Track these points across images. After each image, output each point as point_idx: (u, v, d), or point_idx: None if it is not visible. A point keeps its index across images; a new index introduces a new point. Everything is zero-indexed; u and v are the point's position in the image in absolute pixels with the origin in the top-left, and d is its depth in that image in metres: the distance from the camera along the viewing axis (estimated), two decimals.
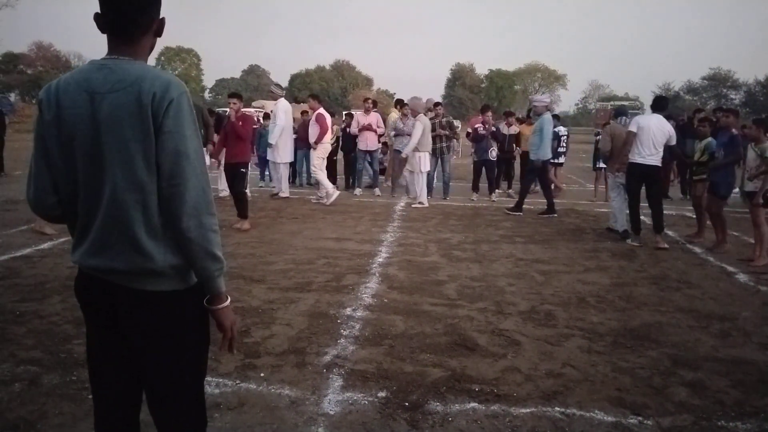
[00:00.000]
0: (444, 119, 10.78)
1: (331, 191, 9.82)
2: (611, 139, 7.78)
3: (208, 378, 1.84)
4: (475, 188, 10.93)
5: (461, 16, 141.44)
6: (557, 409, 3.02)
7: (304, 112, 12.06)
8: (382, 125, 11.47)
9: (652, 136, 6.93)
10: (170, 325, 1.66)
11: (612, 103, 35.32)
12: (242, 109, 7.89)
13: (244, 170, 7.67)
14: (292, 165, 12.38)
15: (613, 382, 3.34)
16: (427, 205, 9.78)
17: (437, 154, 10.64)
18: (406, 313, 4.43)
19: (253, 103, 37.93)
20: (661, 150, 7.04)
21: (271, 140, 9.95)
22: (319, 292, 4.89)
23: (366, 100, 11.83)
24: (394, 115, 11.84)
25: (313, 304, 4.58)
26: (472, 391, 3.19)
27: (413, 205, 9.78)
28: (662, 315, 4.55)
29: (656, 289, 5.28)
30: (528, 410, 3.00)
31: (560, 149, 11.37)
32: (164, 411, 1.74)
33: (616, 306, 4.75)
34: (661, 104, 7.45)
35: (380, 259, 6.09)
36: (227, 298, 1.71)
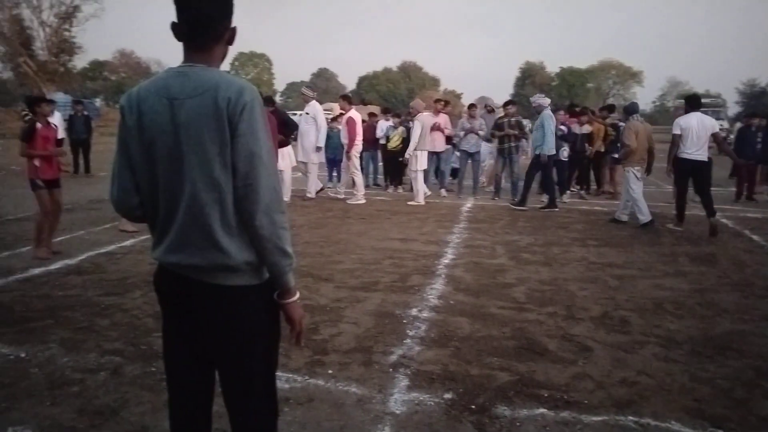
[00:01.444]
0: (513, 119, 10.60)
1: (360, 196, 10.04)
2: (635, 136, 8.02)
3: (279, 373, 1.89)
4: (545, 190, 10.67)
5: (531, 13, 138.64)
6: (631, 418, 2.91)
7: (372, 114, 12.17)
8: (450, 126, 11.40)
9: (695, 134, 7.54)
10: (244, 318, 1.72)
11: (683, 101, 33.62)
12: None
13: None
14: (336, 167, 12.55)
15: (692, 393, 3.19)
16: (423, 203, 9.87)
17: (505, 155, 10.49)
18: (473, 315, 4.38)
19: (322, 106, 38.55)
20: (706, 145, 7.66)
21: (320, 143, 10.17)
22: (385, 292, 4.92)
23: (437, 101, 11.79)
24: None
25: (380, 304, 4.61)
26: (540, 397, 3.12)
27: (409, 203, 9.91)
28: (746, 323, 4.30)
29: (740, 296, 4.98)
30: (600, 418, 2.91)
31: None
32: (238, 402, 1.81)
33: (696, 313, 4.52)
34: (696, 103, 8.02)
35: (446, 261, 6.06)
36: (296, 293, 1.76)
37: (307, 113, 10.13)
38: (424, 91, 68.63)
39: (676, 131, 7.66)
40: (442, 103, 11.59)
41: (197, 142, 1.62)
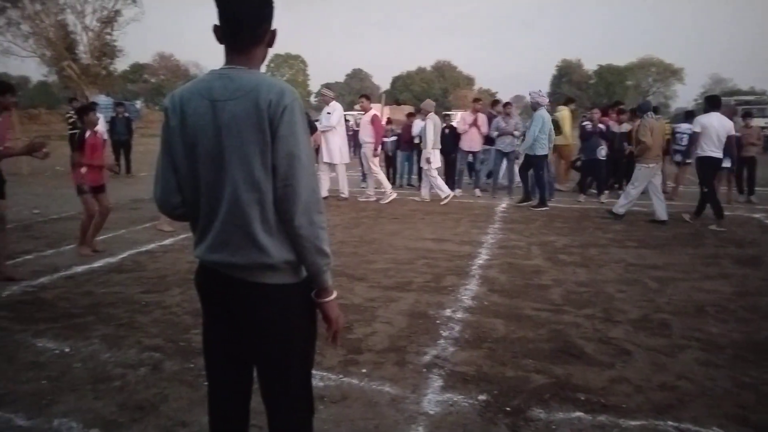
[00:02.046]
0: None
1: (389, 192, 10.13)
2: (650, 132, 8.08)
3: (313, 371, 1.91)
4: (582, 189, 10.52)
5: (568, 10, 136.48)
6: (670, 423, 2.85)
7: (410, 115, 12.17)
8: (487, 126, 11.32)
9: (716, 133, 7.80)
10: (282, 315, 1.75)
11: (735, 98, 32.53)
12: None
13: None
14: (392, 166, 12.57)
15: (735, 398, 3.10)
16: (428, 199, 10.11)
17: None
18: (508, 316, 4.34)
19: (356, 106, 38.77)
20: (723, 144, 7.93)
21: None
22: (419, 293, 4.91)
23: (476, 100, 11.75)
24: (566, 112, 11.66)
25: (413, 304, 4.61)
26: (577, 400, 3.07)
27: (441, 203, 9.93)
28: None
29: None
30: (638, 423, 2.85)
31: (676, 147, 10.61)
32: (275, 399, 1.83)
33: (739, 317, 4.39)
34: (716, 102, 8.35)
35: (480, 261, 6.02)
36: (334, 292, 1.78)
37: (328, 113, 10.16)
38: (458, 90, 68.40)
39: (697, 129, 7.97)
40: (481, 103, 11.54)
41: (238, 143, 1.64)
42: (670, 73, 71.80)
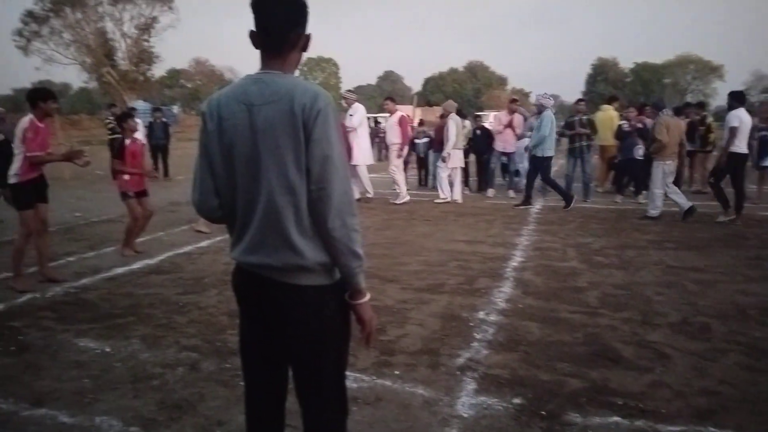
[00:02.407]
0: (585, 117, 10.30)
1: (403, 194, 10.14)
2: (667, 130, 8.06)
3: (347, 372, 1.92)
4: (619, 190, 10.31)
5: (602, 7, 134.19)
6: (711, 429, 2.77)
7: (442, 116, 12.15)
8: (522, 126, 11.22)
9: (746, 128, 7.88)
10: (316, 317, 1.76)
11: None
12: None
13: None
14: (425, 167, 12.55)
15: None
16: (448, 199, 10.16)
17: (576, 154, 10.21)
18: (543, 319, 4.29)
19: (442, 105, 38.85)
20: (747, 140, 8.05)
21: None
22: (452, 295, 4.89)
23: (513, 101, 11.67)
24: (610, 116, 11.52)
25: (446, 306, 4.59)
26: (614, 405, 3.01)
27: (437, 201, 9.99)
28: None
29: None
30: (677, 428, 2.78)
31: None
32: (310, 400, 1.85)
33: None
34: (743, 98, 8.25)
35: (514, 263, 5.96)
36: (367, 294, 1.79)
37: (350, 115, 10.18)
38: (491, 90, 67.90)
39: (735, 123, 7.78)
40: (518, 102, 11.47)
41: (274, 147, 1.67)
42: (709, 70, 69.84)
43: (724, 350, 3.71)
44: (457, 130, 10.16)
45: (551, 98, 9.91)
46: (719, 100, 63.95)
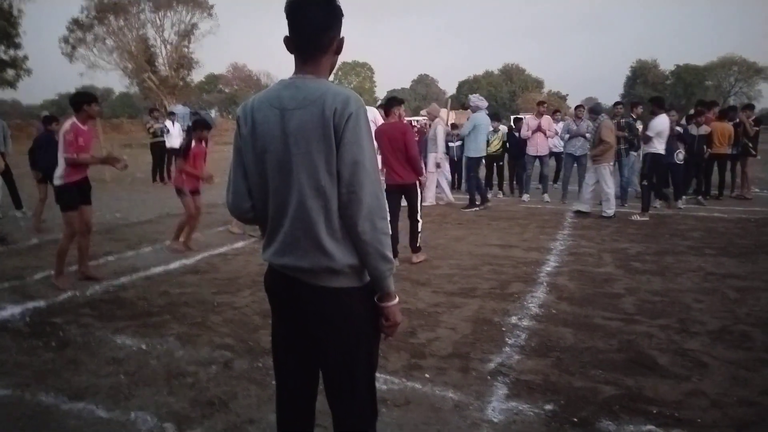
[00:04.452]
0: (623, 120, 10.10)
1: (430, 197, 10.25)
2: (611, 132, 8.83)
3: (377, 374, 1.92)
4: (658, 194, 10.07)
5: (642, 9, 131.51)
6: None
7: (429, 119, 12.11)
8: (552, 129, 11.07)
9: None
10: (346, 318, 1.78)
11: None
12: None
13: None
14: (458, 171, 12.50)
15: None
16: (432, 204, 10.17)
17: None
18: (577, 325, 4.22)
19: (421, 112, 38.82)
20: None
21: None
22: (484, 299, 4.85)
23: (540, 103, 11.53)
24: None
25: (477, 310, 4.56)
26: (649, 413, 2.95)
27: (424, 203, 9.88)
28: None
29: None
30: None
31: None
32: (340, 399, 1.86)
33: None
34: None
35: (548, 268, 5.88)
36: (396, 296, 1.79)
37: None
38: (526, 93, 67.12)
39: None
40: (546, 106, 11.31)
41: (305, 151, 1.68)
42: (753, 72, 67.60)
43: (765, 360, 3.59)
44: (445, 134, 10.41)
45: (484, 99, 10.11)
46: (764, 102, 61.88)
